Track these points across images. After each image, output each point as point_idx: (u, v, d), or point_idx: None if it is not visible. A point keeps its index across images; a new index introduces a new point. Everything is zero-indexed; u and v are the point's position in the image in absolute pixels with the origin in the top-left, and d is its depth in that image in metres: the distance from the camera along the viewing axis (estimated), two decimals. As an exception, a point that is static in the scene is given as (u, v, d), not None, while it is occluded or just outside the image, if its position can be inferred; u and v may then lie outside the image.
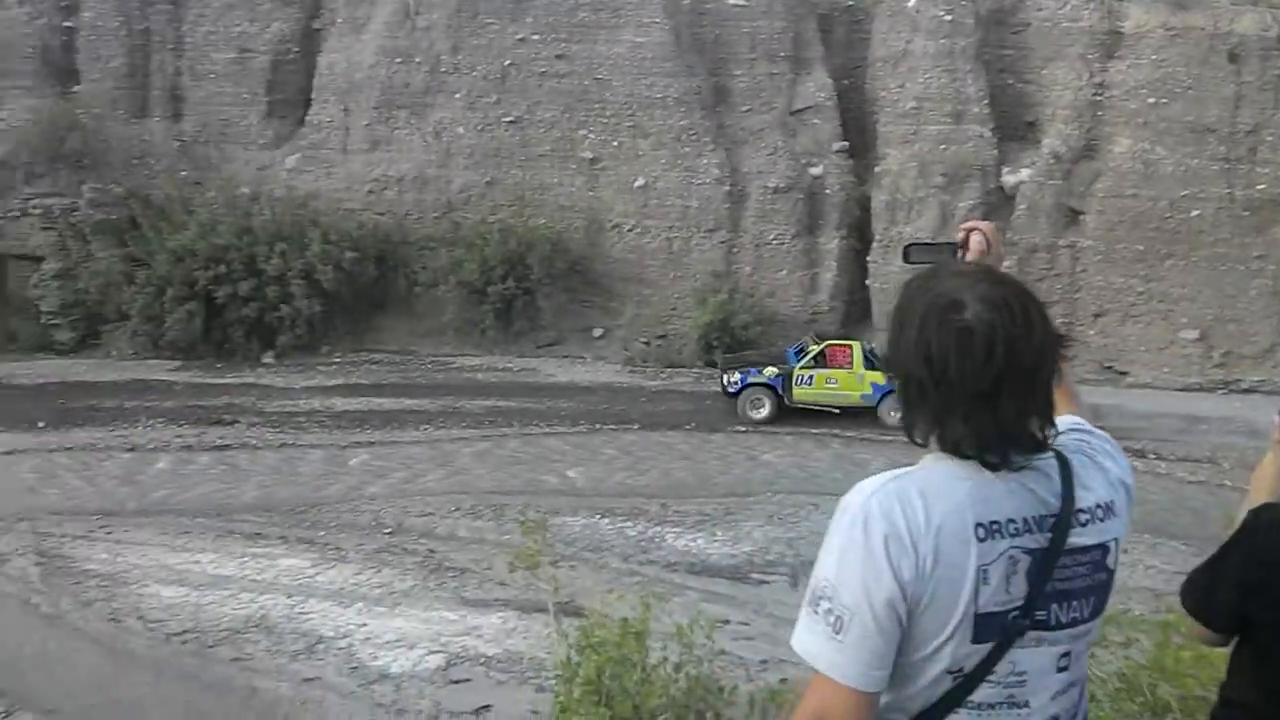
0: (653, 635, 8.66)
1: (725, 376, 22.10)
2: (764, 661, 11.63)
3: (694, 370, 24.15)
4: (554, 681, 9.79)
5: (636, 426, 20.90)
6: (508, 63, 26.45)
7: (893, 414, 20.88)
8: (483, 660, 12.31)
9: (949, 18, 24.73)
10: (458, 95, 26.66)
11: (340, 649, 12.62)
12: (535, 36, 26.34)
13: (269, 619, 13.31)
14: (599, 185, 26.20)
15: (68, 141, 26.54)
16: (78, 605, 13.77)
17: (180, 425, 20.55)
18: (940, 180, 24.32)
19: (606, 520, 16.31)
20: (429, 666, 12.18)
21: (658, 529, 16.06)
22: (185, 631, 13.06)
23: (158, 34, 28.49)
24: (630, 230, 25.99)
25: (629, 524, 16.21)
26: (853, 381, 21.54)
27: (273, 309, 24.51)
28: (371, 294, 26.06)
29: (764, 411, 21.67)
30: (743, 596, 13.93)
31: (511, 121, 26.39)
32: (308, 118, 27.86)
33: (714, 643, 8.62)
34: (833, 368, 21.67)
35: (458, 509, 16.86)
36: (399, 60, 26.87)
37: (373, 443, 19.99)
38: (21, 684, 12.04)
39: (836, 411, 21.53)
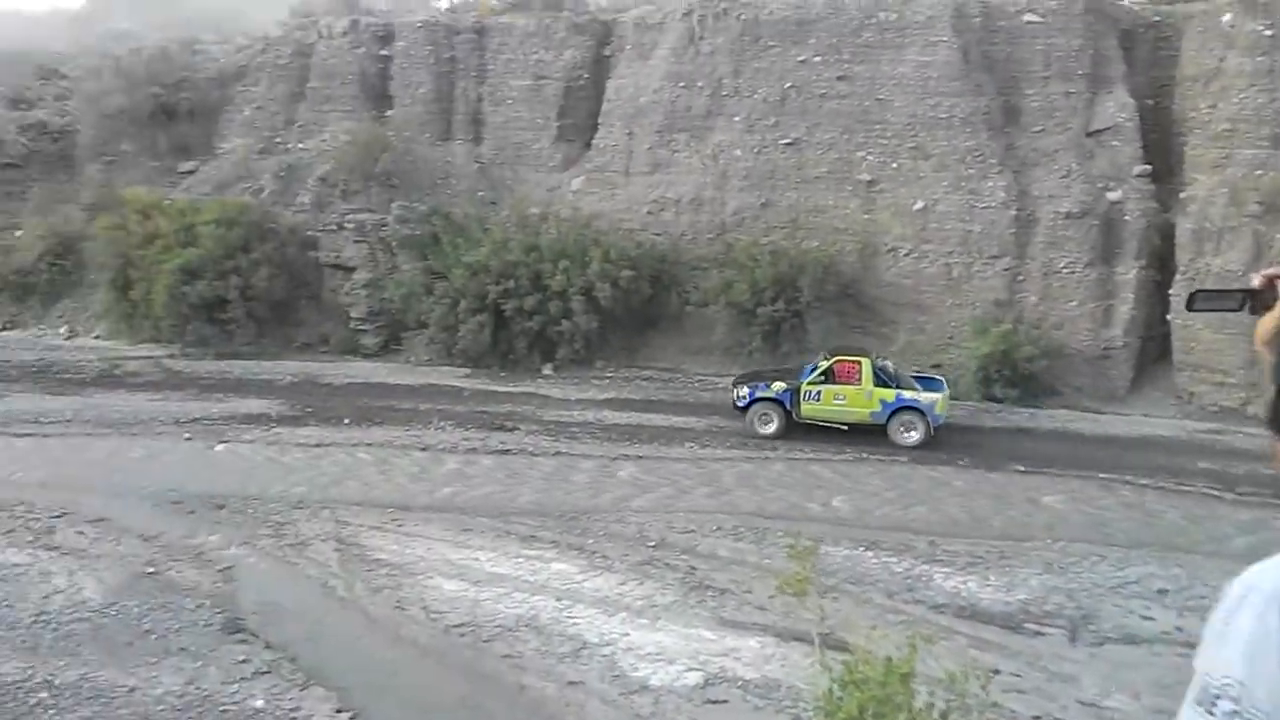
0: (917, 678, 8.41)
1: (735, 391, 22.04)
2: (1036, 718, 11.01)
3: (970, 403, 23.18)
4: (813, 713, 9.70)
5: (905, 459, 20.31)
6: (788, 85, 26.52)
7: (904, 433, 21.00)
8: (740, 683, 12.31)
9: (1269, 33, 22.64)
10: (737, 118, 26.99)
11: (604, 656, 12.98)
12: (817, 58, 26.27)
13: (539, 620, 13.89)
14: (876, 208, 25.75)
15: (380, 162, 28.87)
16: (369, 591, 14.89)
17: (467, 429, 21.86)
18: (1255, 209, 22.23)
19: (871, 553, 15.94)
20: (687, 683, 12.31)
21: (925, 567, 15.52)
22: (463, 624, 13.84)
23: (462, 62, 30.55)
24: (907, 255, 25.36)
25: (895, 559, 15.77)
26: (861, 399, 21.13)
27: (554, 323, 25.63)
28: (645, 312, 26.75)
29: (772, 427, 21.52)
30: (1015, 646, 13.23)
31: (789, 144, 26.41)
32: (594, 141, 29.02)
33: (986, 694, 8.28)
34: (841, 383, 21.27)
35: (719, 528, 16.97)
36: (682, 84, 27.52)
37: (640, 457, 20.46)
38: (316, 659, 13.14)
39: (844, 429, 21.21)
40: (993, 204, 24.50)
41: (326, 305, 28.75)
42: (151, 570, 15.46)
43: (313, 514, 17.54)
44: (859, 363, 21.45)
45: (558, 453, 20.65)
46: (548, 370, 26.09)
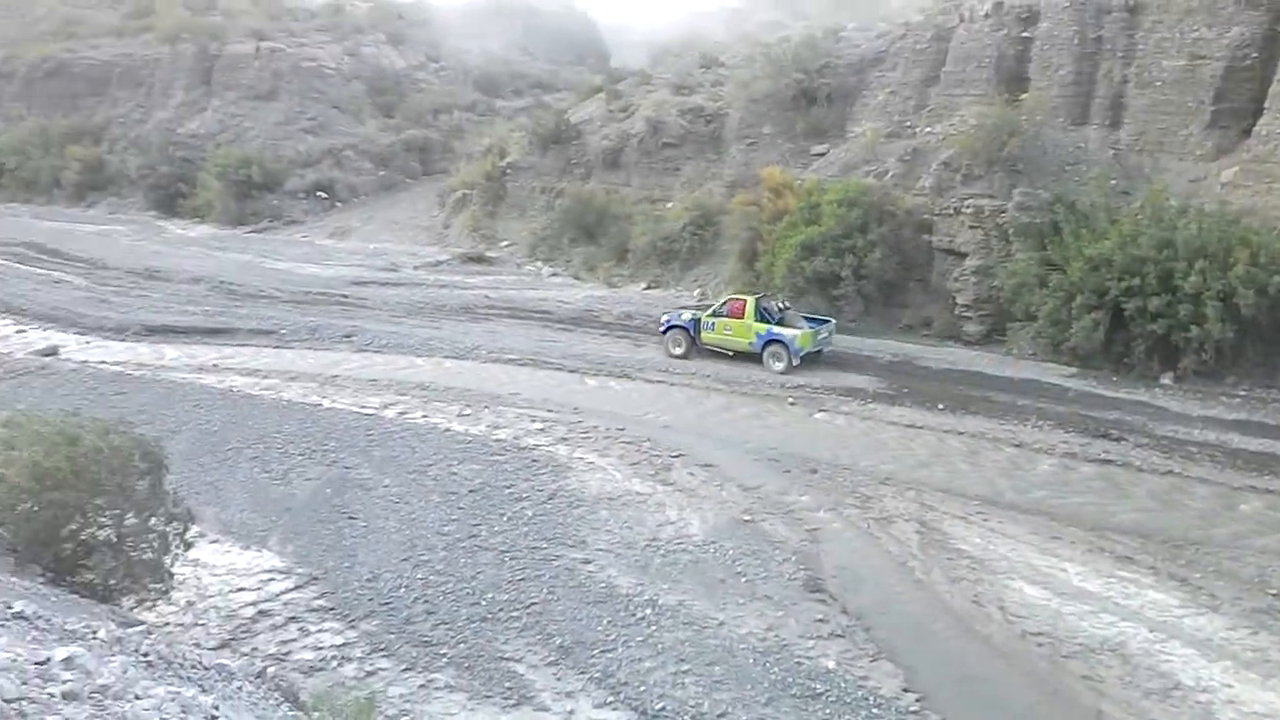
0: None
1: (662, 317, 27.33)
2: None
3: None
4: None
5: None
6: None
7: (773, 362, 25.10)
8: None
9: None
10: None
11: (1198, 703, 11.66)
12: None
13: (1126, 647, 12.82)
14: None
15: (1006, 147, 28.07)
16: (946, 580, 14.76)
17: (1067, 431, 20.66)
18: None
19: None
20: (1302, 758, 10.62)
21: None
22: (1041, 634, 13.21)
23: (1109, 42, 28.59)
24: None
25: None
26: (743, 330, 25.55)
27: (1181, 329, 23.16)
28: (1297, 326, 23.18)
29: (680, 349, 26.38)
30: None
31: None
32: (1255, 129, 25.60)
33: None
34: (730, 317, 25.78)
35: (1369, 590, 14.30)
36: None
37: (1270, 491, 17.87)
38: (888, 634, 13.30)
39: (730, 354, 25.71)
40: None
41: (933, 289, 28.79)
42: (747, 518, 16.75)
43: (898, 492, 17.79)
44: (745, 301, 25.85)
45: (1169, 472, 18.75)
46: (1167, 380, 23.71)
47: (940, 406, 22.31)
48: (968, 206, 27.98)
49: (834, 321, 26.58)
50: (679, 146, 38.00)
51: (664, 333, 26.88)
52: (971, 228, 27.83)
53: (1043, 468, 19.05)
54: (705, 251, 34.14)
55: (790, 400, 22.96)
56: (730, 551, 15.48)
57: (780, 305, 26.48)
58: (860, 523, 16.68)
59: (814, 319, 26.40)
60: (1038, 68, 29.79)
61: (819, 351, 25.60)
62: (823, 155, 33.77)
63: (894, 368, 25.44)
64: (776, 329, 25.27)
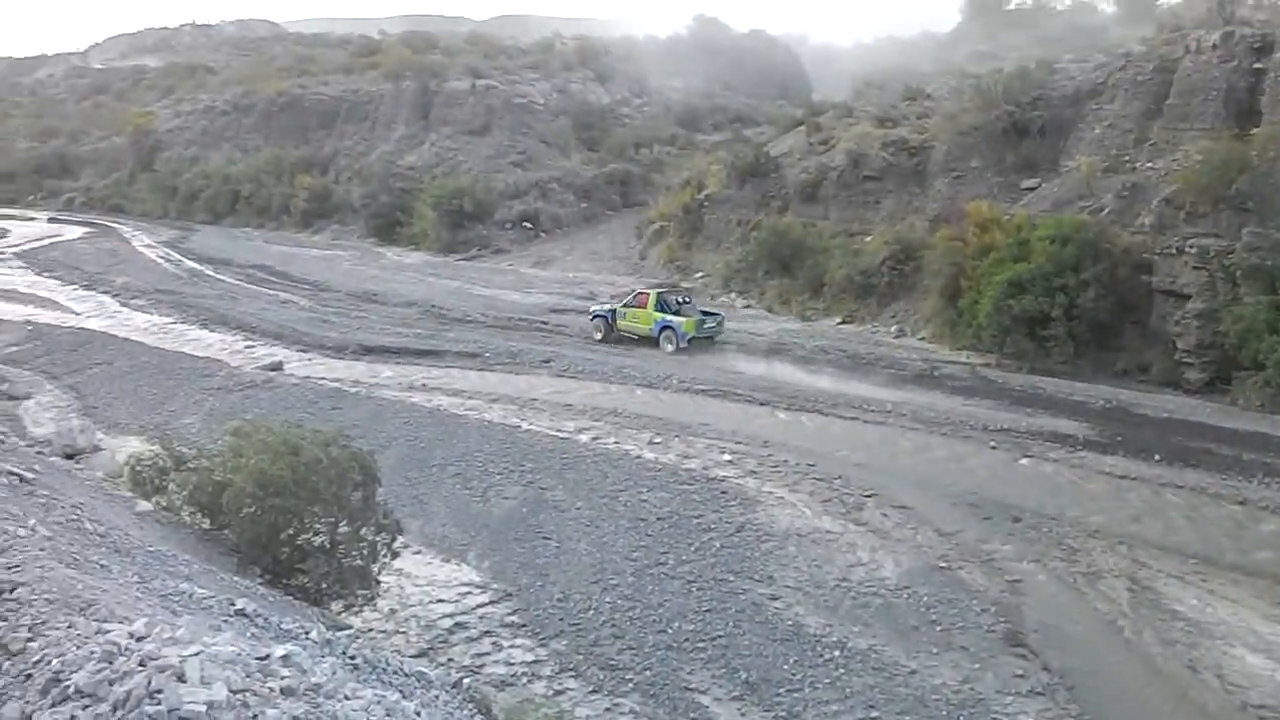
0: None
1: (590, 308, 32.90)
2: None
3: None
4: None
5: None
6: None
7: (666, 345, 30.54)
8: None
9: None
10: None
11: None
12: None
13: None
14: None
15: (1235, 184, 26.32)
16: (1159, 642, 13.86)
17: (1298, 490, 19.09)
18: None
19: None
20: None
21: None
22: (1264, 706, 12.27)
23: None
24: None
25: None
26: (645, 318, 30.91)
27: None
28: None
29: (599, 335, 31.71)
30: None
31: None
32: None
33: None
34: (638, 307, 31.12)
35: None
36: None
37: None
38: (1092, 695, 12.62)
39: (635, 338, 31.08)
40: None
41: (1151, 333, 27.17)
42: (943, 565, 16.21)
43: (1108, 547, 16.82)
44: (649, 294, 31.23)
45: None
46: None
47: (1156, 457, 20.96)
48: (1191, 246, 26.33)
49: (724, 315, 32.46)
50: (880, 179, 37.42)
51: (591, 320, 32.50)
52: (1195, 268, 26.15)
53: (1269, 528, 17.64)
54: (905, 287, 33.42)
55: (992, 444, 22.10)
56: (925, 598, 15.02)
57: (679, 299, 31.95)
58: (1066, 576, 15.88)
59: (707, 312, 32.16)
60: (1270, 101, 27.85)
61: (710, 338, 30.82)
62: (1033, 190, 32.58)
63: (1106, 414, 24.09)
64: (670, 317, 30.77)
